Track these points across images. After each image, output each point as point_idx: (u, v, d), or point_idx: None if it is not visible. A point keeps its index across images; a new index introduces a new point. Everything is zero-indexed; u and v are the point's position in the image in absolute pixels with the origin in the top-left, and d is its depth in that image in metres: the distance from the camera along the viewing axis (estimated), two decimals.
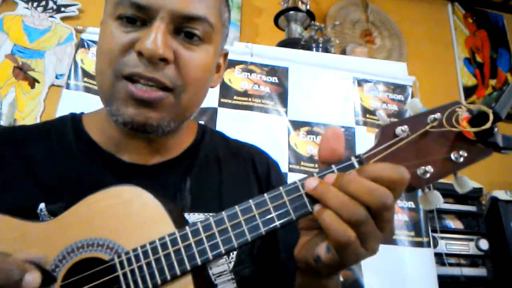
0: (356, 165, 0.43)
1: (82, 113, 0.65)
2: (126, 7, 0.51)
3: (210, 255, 0.42)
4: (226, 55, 0.67)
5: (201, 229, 0.43)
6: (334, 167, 0.43)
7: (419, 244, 1.50)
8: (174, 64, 0.52)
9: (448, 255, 1.71)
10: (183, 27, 0.52)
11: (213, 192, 0.60)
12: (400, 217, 1.53)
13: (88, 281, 0.44)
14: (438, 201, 0.44)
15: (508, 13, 2.92)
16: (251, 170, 0.66)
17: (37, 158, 0.56)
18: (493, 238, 1.81)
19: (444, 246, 1.72)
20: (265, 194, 0.43)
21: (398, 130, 0.43)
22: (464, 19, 2.82)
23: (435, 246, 1.65)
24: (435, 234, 1.67)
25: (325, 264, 0.41)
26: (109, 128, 0.59)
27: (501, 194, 1.90)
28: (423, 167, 0.42)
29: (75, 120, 0.62)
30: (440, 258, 1.66)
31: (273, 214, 0.42)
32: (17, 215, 0.47)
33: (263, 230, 0.42)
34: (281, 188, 0.43)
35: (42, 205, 0.52)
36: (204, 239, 0.42)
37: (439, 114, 0.43)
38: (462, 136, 0.43)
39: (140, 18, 0.51)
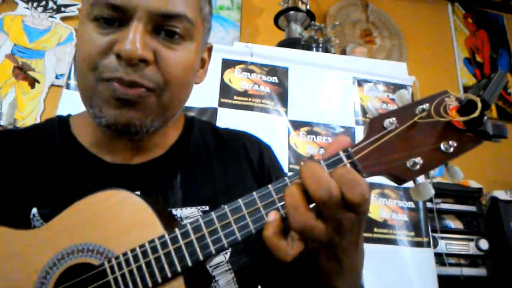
0: (344, 159, 0.42)
1: (70, 115, 0.64)
2: (102, 8, 0.49)
3: (200, 255, 0.42)
4: (210, 49, 0.66)
5: (190, 230, 0.42)
6: (322, 162, 0.42)
7: (419, 244, 1.50)
8: (155, 64, 0.51)
9: (448, 255, 1.72)
10: (163, 26, 0.51)
11: (206, 184, 0.60)
12: (400, 217, 1.53)
13: (79, 287, 0.44)
14: (429, 192, 0.43)
15: (508, 13, 2.92)
16: (243, 157, 0.65)
17: (26, 163, 0.56)
18: (493, 238, 1.81)
19: (444, 246, 1.72)
20: (254, 193, 0.43)
21: (386, 122, 0.43)
22: (464, 19, 2.82)
23: (435, 246, 1.65)
24: (435, 234, 1.67)
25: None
26: (94, 130, 0.58)
27: (501, 194, 1.91)
28: (412, 159, 0.41)
29: (62, 123, 0.62)
30: (440, 258, 1.66)
31: (263, 213, 0.42)
32: (10, 221, 0.47)
33: (252, 228, 0.42)
34: (270, 186, 0.43)
35: (34, 210, 0.52)
36: (194, 240, 0.42)
37: (427, 104, 0.42)
38: (451, 126, 0.42)
39: (117, 19, 0.50)
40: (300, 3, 2.11)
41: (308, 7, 2.12)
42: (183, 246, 0.42)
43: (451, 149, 0.42)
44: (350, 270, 0.45)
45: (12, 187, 0.54)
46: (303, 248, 0.40)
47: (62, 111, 0.66)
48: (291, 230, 0.41)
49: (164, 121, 0.56)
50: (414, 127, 0.42)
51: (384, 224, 1.50)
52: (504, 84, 0.42)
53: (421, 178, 0.44)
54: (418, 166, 0.41)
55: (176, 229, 0.43)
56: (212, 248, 0.42)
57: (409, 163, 0.42)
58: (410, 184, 0.44)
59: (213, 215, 0.43)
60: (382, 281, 1.42)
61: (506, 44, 2.82)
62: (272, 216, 0.41)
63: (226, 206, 0.43)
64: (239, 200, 0.43)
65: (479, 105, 0.39)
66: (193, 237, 0.42)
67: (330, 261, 0.43)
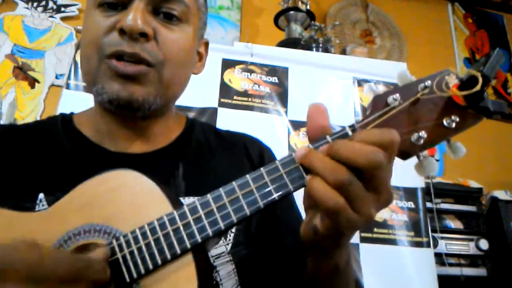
0: (350, 133, 0.43)
1: (72, 113, 0.66)
2: None
3: (210, 231, 0.42)
4: (206, 44, 0.69)
5: (199, 206, 0.42)
6: (328, 138, 0.42)
7: (419, 244, 1.50)
8: (154, 40, 0.54)
9: (448, 255, 1.72)
10: (161, 7, 0.55)
11: (208, 177, 0.61)
12: (400, 217, 1.53)
13: None
14: (433, 167, 0.44)
15: (508, 13, 2.92)
16: (244, 156, 0.67)
17: (31, 154, 0.57)
18: (493, 238, 1.81)
19: (444, 246, 1.72)
20: (261, 168, 0.43)
21: (390, 99, 0.44)
22: (464, 19, 2.82)
23: (435, 246, 1.65)
24: (435, 234, 1.67)
25: (323, 235, 0.41)
26: (97, 121, 0.60)
27: (501, 194, 1.91)
28: (416, 134, 0.42)
29: (65, 118, 0.64)
30: (440, 258, 1.66)
31: (271, 187, 0.42)
32: (15, 205, 0.47)
33: (261, 203, 0.42)
34: (277, 161, 0.43)
35: (41, 195, 0.53)
36: (203, 216, 0.42)
37: (429, 81, 0.44)
38: (453, 103, 0.43)
39: (120, 2, 0.54)
40: (300, 3, 2.10)
41: (308, 7, 2.12)
42: (192, 222, 0.42)
43: (454, 125, 0.43)
44: (348, 243, 0.46)
45: (18, 175, 0.55)
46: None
47: (62, 111, 0.67)
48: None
49: (166, 100, 0.58)
50: (417, 103, 0.44)
51: (384, 224, 1.50)
52: (502, 62, 0.42)
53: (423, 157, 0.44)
54: (422, 141, 0.42)
55: (184, 206, 0.43)
56: (222, 224, 0.42)
57: (413, 138, 0.43)
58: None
59: (221, 190, 0.43)
60: (382, 281, 1.42)
61: (506, 44, 2.82)
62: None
63: (234, 182, 0.43)
64: (247, 175, 0.43)
65: (480, 79, 0.40)
66: (201, 212, 0.42)
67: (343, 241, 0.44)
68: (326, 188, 0.38)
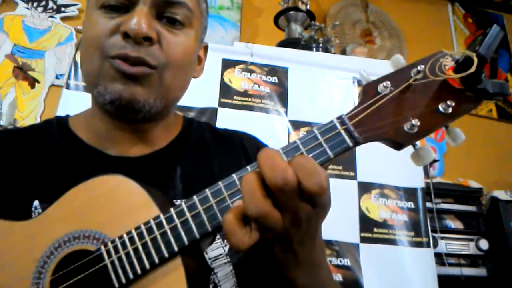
0: (338, 126, 0.41)
1: (68, 115, 0.66)
2: None
3: (196, 233, 0.41)
4: (206, 48, 0.70)
5: (185, 209, 0.42)
6: (316, 131, 0.41)
7: (419, 244, 1.50)
8: (158, 44, 0.54)
9: (448, 255, 1.71)
10: (165, 12, 0.55)
11: (205, 178, 0.61)
12: (400, 217, 1.53)
13: (77, 274, 0.44)
14: (429, 156, 0.41)
15: (508, 13, 2.92)
16: (242, 155, 0.67)
17: (27, 159, 0.57)
18: (493, 238, 1.81)
19: (444, 246, 1.72)
20: (248, 167, 0.42)
21: (380, 87, 0.42)
22: (464, 19, 2.82)
23: (435, 246, 1.65)
24: (435, 234, 1.67)
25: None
26: (94, 124, 0.60)
27: (501, 194, 1.91)
28: (409, 122, 0.40)
29: (60, 121, 0.63)
30: (440, 258, 1.66)
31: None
32: (10, 214, 0.47)
33: None
34: (234, 175, 0.42)
35: (36, 203, 0.53)
36: (190, 218, 0.42)
37: (422, 66, 0.41)
38: (449, 86, 0.40)
39: (123, 5, 0.54)
40: (300, 3, 2.10)
41: (308, 7, 2.12)
42: (178, 225, 0.42)
43: (450, 110, 0.40)
44: (306, 262, 0.44)
45: (13, 181, 0.55)
46: (258, 238, 0.39)
47: (62, 111, 0.67)
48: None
49: (166, 103, 0.58)
50: (409, 90, 0.41)
51: (384, 224, 1.50)
52: (500, 39, 0.39)
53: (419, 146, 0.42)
54: (416, 129, 0.40)
55: (171, 209, 0.43)
56: (208, 226, 0.41)
57: (406, 126, 0.40)
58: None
59: (208, 192, 0.42)
60: (382, 281, 1.42)
61: (506, 44, 2.82)
62: (237, 203, 0.40)
63: (220, 182, 0.42)
64: (233, 175, 0.42)
65: (475, 60, 0.38)
66: (188, 215, 0.42)
67: (285, 253, 0.43)
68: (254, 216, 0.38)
